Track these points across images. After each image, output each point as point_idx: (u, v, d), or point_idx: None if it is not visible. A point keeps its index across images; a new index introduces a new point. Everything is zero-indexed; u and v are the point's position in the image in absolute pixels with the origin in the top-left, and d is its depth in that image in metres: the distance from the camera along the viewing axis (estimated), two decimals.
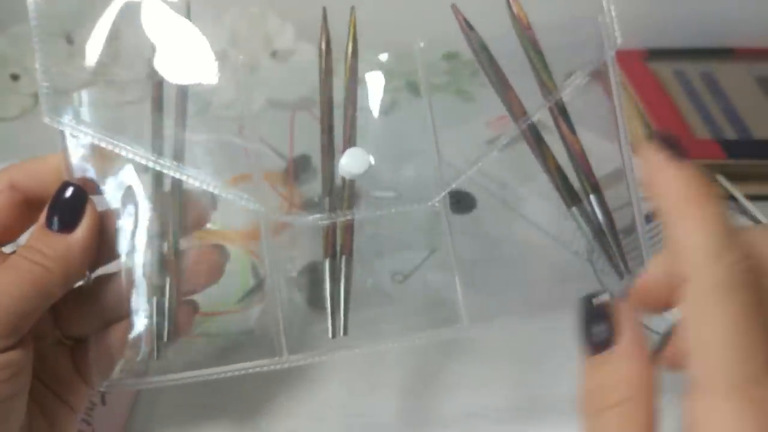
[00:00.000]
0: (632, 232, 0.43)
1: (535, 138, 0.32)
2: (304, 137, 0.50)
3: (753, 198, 0.53)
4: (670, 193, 0.22)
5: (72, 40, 0.62)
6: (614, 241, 0.32)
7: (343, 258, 0.33)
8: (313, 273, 0.43)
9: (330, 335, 0.32)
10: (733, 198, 0.54)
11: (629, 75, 0.64)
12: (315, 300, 0.42)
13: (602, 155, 0.33)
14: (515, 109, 0.32)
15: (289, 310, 0.43)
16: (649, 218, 0.46)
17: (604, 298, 0.24)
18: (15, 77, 0.63)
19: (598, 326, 0.23)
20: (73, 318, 0.31)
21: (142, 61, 0.63)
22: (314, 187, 0.51)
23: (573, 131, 0.32)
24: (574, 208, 0.32)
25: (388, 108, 0.62)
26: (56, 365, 0.31)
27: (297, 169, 0.51)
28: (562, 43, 0.33)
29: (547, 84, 0.32)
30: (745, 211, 0.53)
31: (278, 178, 0.52)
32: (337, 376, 0.41)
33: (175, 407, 0.39)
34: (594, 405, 0.22)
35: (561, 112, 0.32)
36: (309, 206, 0.50)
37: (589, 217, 0.32)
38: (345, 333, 0.32)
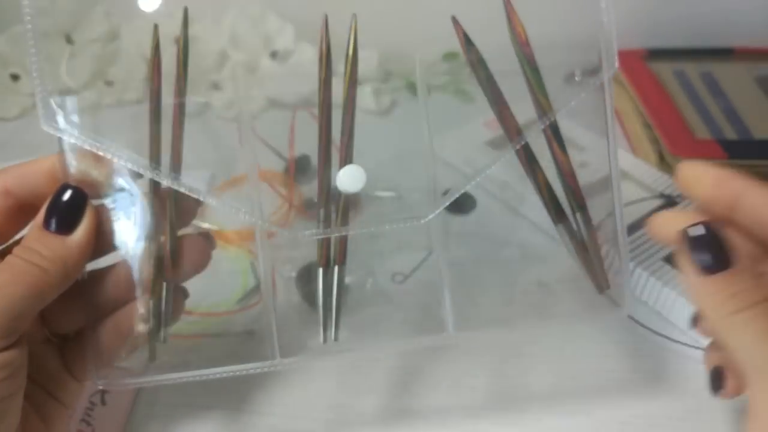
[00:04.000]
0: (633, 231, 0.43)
1: (527, 157, 0.33)
2: (303, 137, 0.50)
3: None
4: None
5: (72, 40, 0.63)
6: (596, 258, 0.33)
7: (336, 267, 0.33)
8: (312, 273, 0.43)
9: (321, 341, 0.33)
10: None
11: (629, 75, 0.64)
12: (313, 299, 0.42)
13: (599, 154, 0.33)
14: (510, 127, 0.32)
15: (287, 310, 0.44)
16: (633, 228, 0.47)
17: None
18: (15, 77, 0.63)
19: (714, 250, 0.27)
20: (62, 315, 0.31)
21: (141, 61, 0.63)
22: (314, 187, 0.52)
23: (564, 151, 0.33)
24: (560, 225, 0.33)
25: (388, 108, 0.62)
26: (45, 363, 0.31)
27: (297, 169, 0.51)
28: (560, 61, 0.33)
29: (541, 103, 0.32)
30: None
31: (278, 178, 0.52)
32: (334, 374, 0.41)
33: (174, 407, 0.39)
34: (728, 310, 0.26)
35: (553, 131, 0.33)
36: (309, 206, 0.50)
37: (574, 233, 0.33)
38: (336, 339, 0.33)
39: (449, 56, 0.59)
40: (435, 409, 0.40)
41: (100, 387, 0.31)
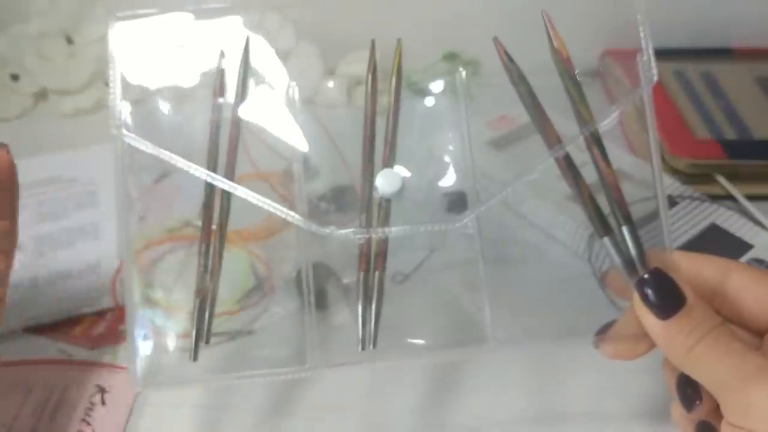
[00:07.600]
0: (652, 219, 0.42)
1: (569, 168, 0.32)
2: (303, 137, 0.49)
3: (753, 198, 0.53)
4: None
5: (72, 40, 0.63)
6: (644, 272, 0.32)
7: (376, 274, 0.33)
8: (313, 273, 0.43)
9: (360, 348, 0.33)
10: (733, 198, 0.54)
11: (629, 75, 0.63)
12: (314, 300, 0.42)
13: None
14: (551, 139, 0.32)
15: (287, 313, 0.44)
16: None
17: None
18: (15, 77, 0.63)
19: (667, 293, 0.28)
20: None
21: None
22: (313, 188, 0.51)
23: (608, 162, 0.32)
24: (606, 239, 0.32)
25: (387, 107, 0.62)
26: None
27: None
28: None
29: (583, 115, 0.32)
30: (745, 211, 0.53)
31: (278, 178, 0.51)
32: (343, 377, 0.41)
33: (174, 407, 0.39)
34: (689, 346, 0.27)
35: (596, 142, 0.32)
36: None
37: (619, 247, 0.32)
38: (374, 346, 0.33)
39: (449, 56, 0.59)
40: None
41: (139, 390, 0.31)
